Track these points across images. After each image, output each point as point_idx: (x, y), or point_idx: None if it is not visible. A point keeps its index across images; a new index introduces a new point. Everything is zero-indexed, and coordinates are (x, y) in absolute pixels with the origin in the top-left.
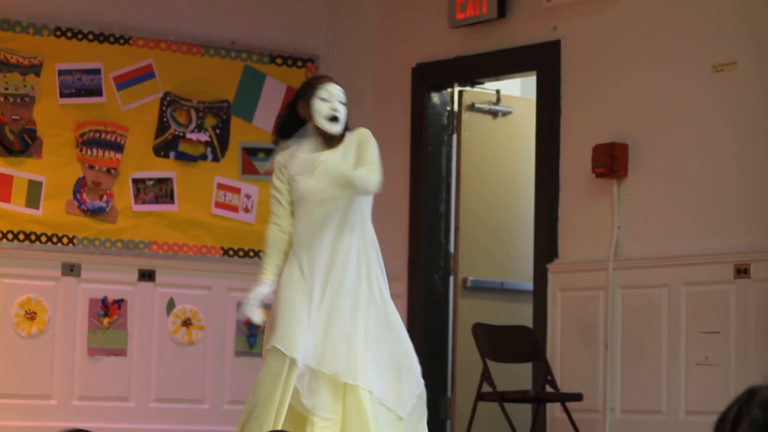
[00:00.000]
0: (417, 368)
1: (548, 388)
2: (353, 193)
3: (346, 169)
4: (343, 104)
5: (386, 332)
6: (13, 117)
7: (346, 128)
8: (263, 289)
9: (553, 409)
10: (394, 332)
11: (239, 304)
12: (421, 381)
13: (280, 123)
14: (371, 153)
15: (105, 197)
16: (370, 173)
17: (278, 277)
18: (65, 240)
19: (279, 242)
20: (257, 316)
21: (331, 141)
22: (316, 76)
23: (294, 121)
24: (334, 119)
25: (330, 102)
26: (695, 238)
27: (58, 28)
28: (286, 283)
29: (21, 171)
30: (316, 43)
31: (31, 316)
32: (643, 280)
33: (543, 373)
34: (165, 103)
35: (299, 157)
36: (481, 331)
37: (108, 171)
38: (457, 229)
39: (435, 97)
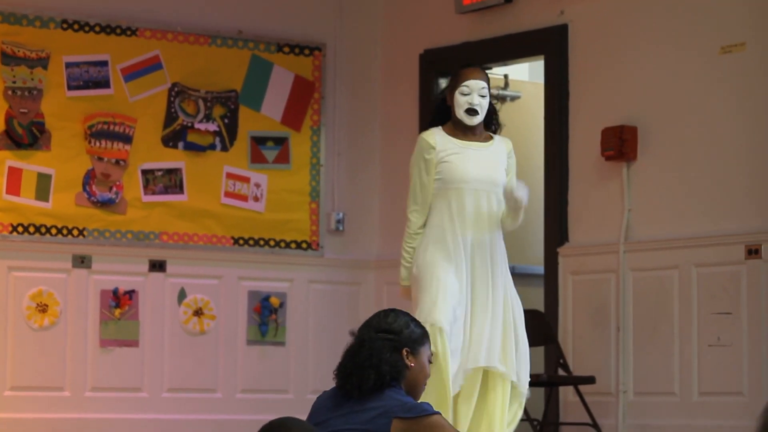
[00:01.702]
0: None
1: (561, 372)
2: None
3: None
4: (484, 97)
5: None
6: (22, 110)
7: (494, 128)
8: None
9: (566, 393)
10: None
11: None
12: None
13: (433, 113)
14: (513, 177)
15: (114, 189)
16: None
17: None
18: (75, 232)
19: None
20: None
21: (474, 133)
22: (465, 66)
23: (440, 110)
24: (471, 112)
25: (470, 96)
26: (705, 220)
27: (64, 21)
28: (432, 266)
29: (30, 164)
30: (324, 31)
31: (42, 308)
32: (654, 263)
33: (555, 356)
34: (173, 93)
35: (449, 140)
36: None
37: (117, 162)
38: None
39: (443, 83)
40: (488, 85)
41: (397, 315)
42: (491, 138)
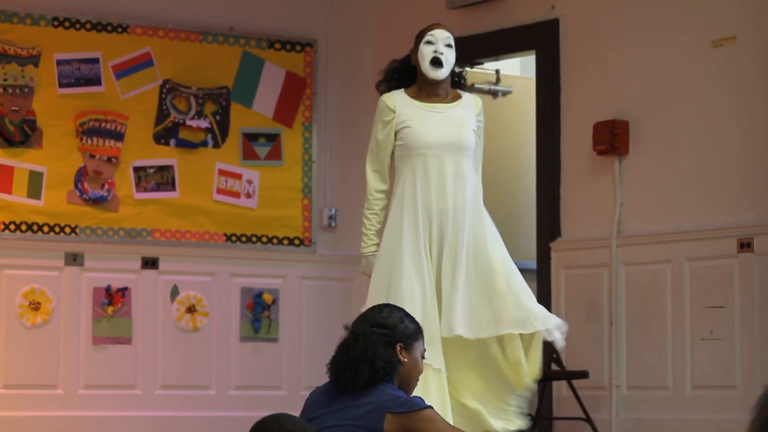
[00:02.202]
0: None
1: (554, 367)
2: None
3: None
4: (450, 47)
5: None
6: (13, 108)
7: (461, 86)
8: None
9: (560, 387)
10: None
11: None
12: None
13: (391, 70)
14: (481, 139)
15: (106, 186)
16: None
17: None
18: (67, 230)
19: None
20: None
21: (438, 94)
22: (429, 24)
23: (406, 71)
24: (436, 62)
25: (434, 45)
26: (698, 213)
27: (55, 18)
28: (393, 244)
29: (22, 162)
30: (315, 27)
31: (35, 306)
32: (646, 257)
33: (548, 351)
34: (164, 90)
35: (410, 104)
36: None
37: (109, 160)
38: None
39: None
40: (453, 38)
41: (391, 310)
42: (459, 97)
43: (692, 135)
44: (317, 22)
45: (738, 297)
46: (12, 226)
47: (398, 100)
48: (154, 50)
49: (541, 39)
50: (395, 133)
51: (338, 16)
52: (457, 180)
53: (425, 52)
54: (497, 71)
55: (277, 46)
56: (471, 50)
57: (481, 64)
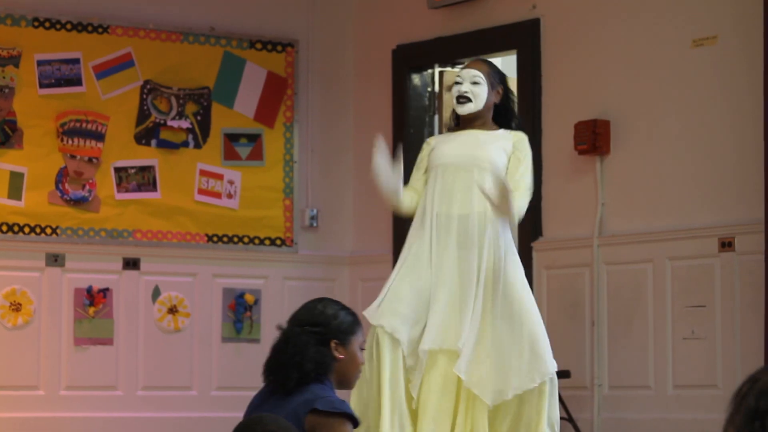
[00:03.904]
0: None
1: None
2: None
3: (508, 189)
4: (477, 84)
5: None
6: None
7: (500, 122)
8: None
9: None
10: None
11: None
12: None
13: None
14: (526, 169)
15: (87, 187)
16: (523, 200)
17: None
18: (48, 230)
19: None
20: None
21: (476, 123)
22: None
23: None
24: (462, 99)
25: (460, 85)
26: (679, 213)
27: (36, 19)
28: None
29: (2, 162)
30: (296, 28)
31: (16, 307)
32: (628, 256)
33: None
34: (145, 91)
35: (447, 135)
36: None
37: (90, 160)
38: None
39: (416, 79)
40: (486, 74)
41: (326, 305)
42: (497, 128)
43: (673, 135)
44: (298, 22)
45: (719, 296)
46: None
47: (439, 136)
48: (135, 50)
49: (522, 38)
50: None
51: (319, 17)
52: (471, 192)
53: (453, 91)
54: None
55: (258, 46)
56: (452, 50)
57: (462, 63)
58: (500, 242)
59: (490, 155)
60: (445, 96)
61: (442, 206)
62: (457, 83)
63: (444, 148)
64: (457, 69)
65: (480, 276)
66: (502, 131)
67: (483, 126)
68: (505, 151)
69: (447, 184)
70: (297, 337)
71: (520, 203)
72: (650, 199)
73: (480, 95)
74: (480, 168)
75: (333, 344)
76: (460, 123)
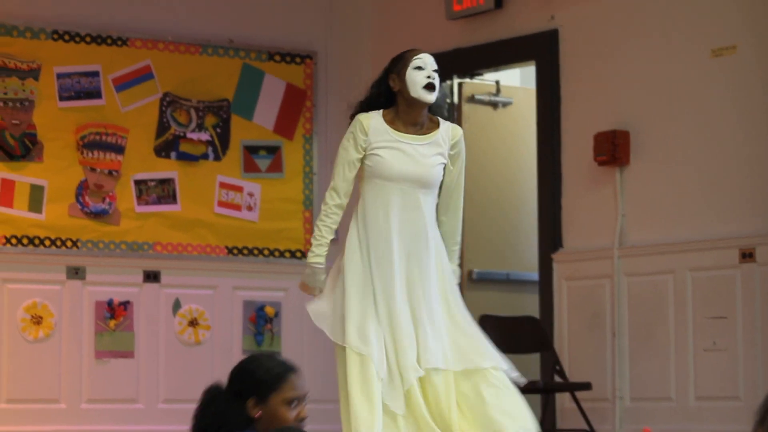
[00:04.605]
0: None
1: (557, 378)
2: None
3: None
4: (437, 71)
5: None
6: (13, 122)
7: (438, 114)
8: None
9: (563, 399)
10: None
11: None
12: None
13: (367, 100)
14: (461, 175)
15: (107, 199)
16: (459, 223)
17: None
18: (69, 243)
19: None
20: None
21: (415, 123)
22: (407, 49)
23: (383, 98)
24: (430, 87)
25: (425, 70)
26: (699, 224)
27: (55, 32)
28: (349, 272)
29: (23, 176)
30: (314, 39)
31: (37, 320)
32: (648, 267)
33: (551, 363)
34: (164, 103)
35: (384, 130)
36: (488, 323)
37: (110, 173)
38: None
39: None
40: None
41: (252, 360)
42: (436, 127)
43: (693, 145)
44: (317, 34)
45: (740, 307)
46: (13, 240)
47: (373, 123)
48: (154, 63)
49: (540, 49)
50: (364, 156)
51: (337, 28)
52: (419, 216)
53: (417, 78)
54: (497, 82)
55: (277, 58)
56: (471, 61)
57: (481, 75)
58: (441, 251)
59: (435, 176)
60: (408, 77)
61: (392, 234)
62: (420, 68)
63: (387, 160)
64: (422, 56)
65: (427, 284)
66: (442, 129)
67: (423, 127)
68: (443, 156)
69: (393, 206)
70: (216, 402)
71: (459, 233)
72: (670, 210)
73: (438, 85)
74: (426, 192)
75: (250, 403)
76: (399, 113)
